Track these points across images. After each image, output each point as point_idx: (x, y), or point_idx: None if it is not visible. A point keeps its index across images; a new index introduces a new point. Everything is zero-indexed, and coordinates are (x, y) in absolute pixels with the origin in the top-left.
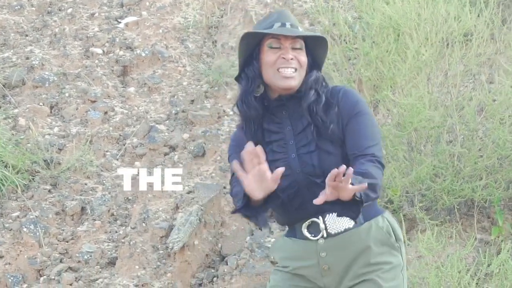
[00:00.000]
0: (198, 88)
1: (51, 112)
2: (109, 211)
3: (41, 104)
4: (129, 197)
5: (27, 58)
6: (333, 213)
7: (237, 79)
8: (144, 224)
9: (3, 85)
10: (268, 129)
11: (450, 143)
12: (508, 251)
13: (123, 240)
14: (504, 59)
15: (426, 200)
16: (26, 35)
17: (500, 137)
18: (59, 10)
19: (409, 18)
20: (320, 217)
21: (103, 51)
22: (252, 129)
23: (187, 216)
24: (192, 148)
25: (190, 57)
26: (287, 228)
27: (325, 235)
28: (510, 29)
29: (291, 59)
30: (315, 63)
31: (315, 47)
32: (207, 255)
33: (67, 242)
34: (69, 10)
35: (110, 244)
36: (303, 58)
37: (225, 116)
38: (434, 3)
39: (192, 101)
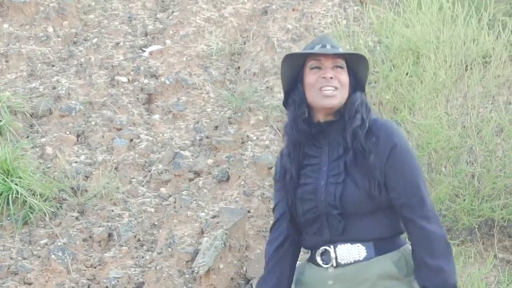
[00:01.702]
0: (222, 114)
1: (77, 140)
2: (135, 236)
3: (67, 132)
4: (155, 223)
5: (54, 88)
6: (346, 244)
7: (285, 104)
8: (170, 249)
9: (31, 115)
10: (308, 153)
11: (470, 164)
12: None
13: (149, 265)
14: None
15: (447, 221)
16: (53, 66)
17: None
18: (85, 40)
19: (428, 40)
20: (331, 246)
21: (128, 79)
22: (294, 152)
23: (212, 240)
24: (216, 173)
25: (213, 84)
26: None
27: (334, 264)
28: None
29: (331, 78)
30: (358, 83)
31: (357, 67)
32: (232, 278)
33: (94, 268)
34: (94, 40)
35: (136, 269)
36: (344, 78)
37: (249, 141)
38: (453, 26)
39: (216, 127)
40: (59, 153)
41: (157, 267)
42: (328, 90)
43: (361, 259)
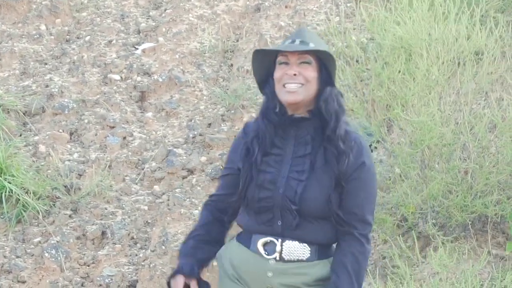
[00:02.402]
0: (215, 111)
1: (70, 138)
2: (129, 234)
3: (60, 130)
4: (148, 221)
5: (47, 86)
6: (294, 241)
7: (261, 91)
8: (163, 247)
9: (24, 113)
10: (273, 143)
11: (463, 160)
12: None
13: (143, 263)
14: None
15: (440, 217)
16: (45, 64)
17: (509, 154)
18: (77, 38)
19: (420, 38)
20: (279, 239)
21: (121, 77)
22: (261, 141)
23: None
24: (210, 170)
25: (206, 81)
26: (240, 232)
27: (278, 258)
28: None
29: (294, 74)
30: (330, 79)
31: (328, 62)
32: None
33: (88, 266)
34: (87, 38)
35: (130, 267)
36: (310, 73)
37: None
38: (445, 23)
39: (209, 124)
40: (52, 151)
41: (151, 265)
42: (290, 86)
43: (304, 259)
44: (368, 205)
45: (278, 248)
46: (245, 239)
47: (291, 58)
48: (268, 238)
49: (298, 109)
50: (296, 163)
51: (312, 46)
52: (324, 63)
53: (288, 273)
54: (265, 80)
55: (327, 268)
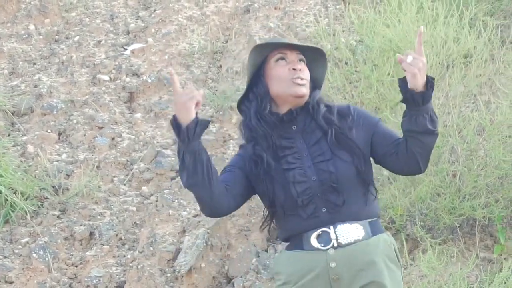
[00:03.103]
0: (204, 113)
1: (59, 138)
2: (117, 235)
3: (49, 131)
4: (137, 222)
5: (35, 86)
6: (345, 223)
7: (239, 103)
8: (151, 248)
9: (12, 113)
10: (280, 145)
11: (451, 163)
12: (510, 268)
13: (131, 264)
14: (504, 80)
15: (428, 220)
16: (34, 63)
17: (497, 157)
18: (66, 38)
19: (409, 40)
20: (331, 227)
21: (110, 78)
22: (265, 146)
23: (193, 239)
24: None
25: (195, 83)
26: (288, 243)
27: (335, 245)
28: (510, 49)
29: (300, 69)
30: (316, 83)
31: (315, 65)
32: (214, 277)
33: (76, 267)
34: (76, 38)
35: (118, 268)
36: (307, 73)
37: (231, 140)
38: (434, 26)
39: None
40: (41, 152)
41: (139, 266)
42: (300, 80)
43: (360, 238)
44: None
45: (332, 235)
46: (296, 243)
47: (290, 56)
48: (320, 230)
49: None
50: (314, 150)
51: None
52: (310, 67)
53: (351, 257)
54: (252, 80)
55: (388, 244)
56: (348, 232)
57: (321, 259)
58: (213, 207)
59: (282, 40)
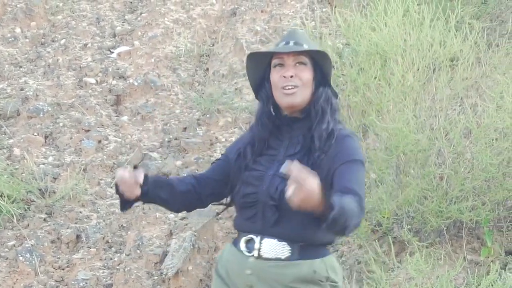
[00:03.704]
0: (191, 116)
1: (45, 142)
2: (103, 238)
3: (35, 134)
4: (124, 224)
5: (22, 89)
6: (273, 239)
7: (257, 98)
8: (138, 251)
9: None
10: (269, 144)
11: (438, 166)
12: (497, 271)
13: (118, 267)
14: (490, 83)
15: (415, 223)
16: (20, 67)
17: (484, 160)
18: (53, 41)
19: (395, 44)
20: (259, 236)
21: (96, 81)
22: (258, 145)
23: (180, 242)
24: (185, 174)
25: (182, 86)
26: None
27: (256, 255)
28: (496, 52)
29: (291, 76)
30: (324, 78)
31: (322, 62)
32: (201, 280)
33: (62, 270)
34: (62, 41)
35: (105, 271)
36: (306, 75)
37: (217, 143)
38: (420, 29)
39: (185, 128)
40: (27, 155)
41: (126, 269)
42: (288, 89)
43: (282, 258)
44: (359, 184)
45: (256, 245)
46: (236, 239)
47: (286, 60)
48: (250, 236)
49: (296, 112)
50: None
51: (306, 47)
52: (319, 64)
53: (266, 271)
54: (259, 85)
55: (313, 269)
56: (272, 248)
57: (242, 263)
58: (183, 210)
59: (276, 49)
